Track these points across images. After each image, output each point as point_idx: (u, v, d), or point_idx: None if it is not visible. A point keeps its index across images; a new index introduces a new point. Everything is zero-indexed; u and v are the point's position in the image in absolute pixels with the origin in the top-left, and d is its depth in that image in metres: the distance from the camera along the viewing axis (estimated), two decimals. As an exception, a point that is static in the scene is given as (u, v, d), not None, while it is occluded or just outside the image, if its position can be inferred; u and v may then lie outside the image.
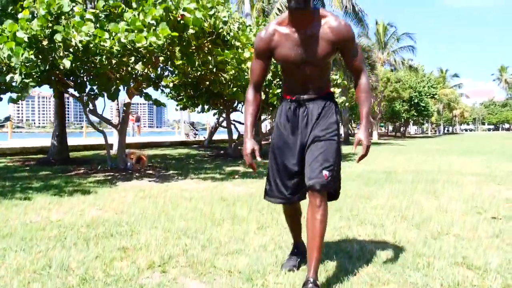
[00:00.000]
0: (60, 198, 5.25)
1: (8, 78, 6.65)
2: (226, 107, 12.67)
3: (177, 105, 13.79)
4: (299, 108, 2.46)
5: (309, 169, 2.32)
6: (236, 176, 7.72)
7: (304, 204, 2.43)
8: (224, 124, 14.82)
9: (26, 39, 6.01)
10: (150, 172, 8.38)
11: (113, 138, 12.77)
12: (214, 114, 15.24)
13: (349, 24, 2.43)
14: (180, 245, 3.14)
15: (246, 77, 7.87)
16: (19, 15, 6.42)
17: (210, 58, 7.12)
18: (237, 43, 6.72)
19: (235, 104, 12.76)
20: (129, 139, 18.35)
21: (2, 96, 7.47)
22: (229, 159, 11.71)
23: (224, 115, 14.16)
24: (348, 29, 2.35)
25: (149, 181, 7.16)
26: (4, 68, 6.36)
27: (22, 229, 3.58)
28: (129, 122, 22.53)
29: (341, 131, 2.81)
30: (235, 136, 14.10)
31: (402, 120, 33.18)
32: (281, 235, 3.40)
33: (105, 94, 7.27)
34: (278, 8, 19.32)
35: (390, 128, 44.84)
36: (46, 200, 5.09)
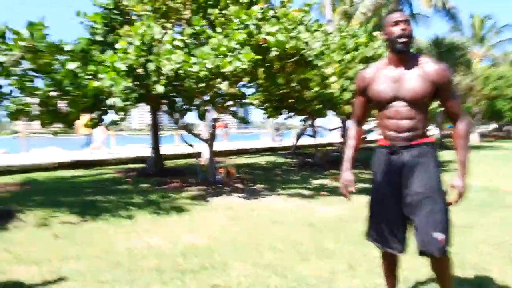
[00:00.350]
0: (158, 218, 5.62)
1: (110, 102, 7.30)
2: (312, 116, 12.59)
3: (264, 114, 14.02)
4: (394, 157, 2.42)
5: (421, 234, 2.31)
6: (324, 193, 7.63)
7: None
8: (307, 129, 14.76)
9: (124, 68, 6.53)
10: (239, 186, 8.62)
11: (202, 144, 13.34)
12: (300, 121, 15.24)
13: (447, 69, 2.37)
14: (270, 285, 3.19)
15: (329, 92, 7.78)
16: (117, 45, 6.99)
17: (293, 76, 7.14)
18: (320, 63, 6.66)
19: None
20: (217, 145, 19.15)
21: (103, 117, 8.22)
22: (315, 169, 11.63)
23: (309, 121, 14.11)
24: (445, 72, 2.34)
25: (238, 196, 7.36)
26: (106, 95, 6.97)
27: (127, 257, 3.89)
28: (217, 129, 23.50)
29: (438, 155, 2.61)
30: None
31: (505, 119, 30.26)
32: (373, 278, 3.28)
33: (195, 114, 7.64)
34: (361, 12, 18.69)
35: (490, 127, 41.11)
36: (146, 220, 5.50)
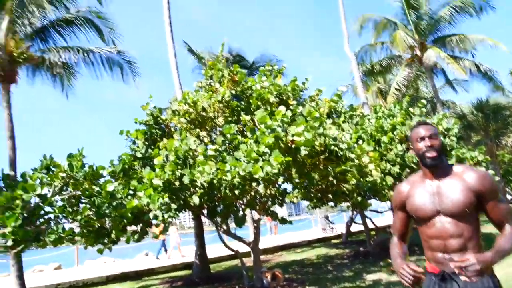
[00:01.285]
0: None
1: (151, 215, 7.46)
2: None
3: (308, 206, 13.77)
4: (446, 286, 2.17)
5: None
6: (377, 291, 7.06)
7: None
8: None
9: (161, 184, 6.75)
10: (286, 289, 8.20)
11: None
12: (348, 207, 14.78)
13: (491, 175, 2.23)
14: None
15: (370, 180, 7.55)
16: (155, 161, 7.32)
17: (328, 171, 7.05)
18: (352, 155, 6.58)
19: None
20: (266, 240, 18.71)
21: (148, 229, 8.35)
22: (370, 259, 10.94)
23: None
24: (487, 179, 2.19)
25: (284, 303, 6.97)
26: (146, 210, 7.16)
27: None
28: (266, 221, 23.16)
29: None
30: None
31: None
32: None
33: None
34: (395, 88, 18.79)
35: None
36: None
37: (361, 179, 7.54)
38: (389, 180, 9.75)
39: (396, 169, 9.99)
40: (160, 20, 13.61)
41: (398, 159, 9.96)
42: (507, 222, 2.18)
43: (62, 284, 10.85)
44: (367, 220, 13.90)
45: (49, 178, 5.64)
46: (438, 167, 2.27)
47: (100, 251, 7.28)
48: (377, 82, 23.73)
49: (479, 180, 2.17)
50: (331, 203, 13.23)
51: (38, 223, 5.78)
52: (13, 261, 8.79)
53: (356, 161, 6.81)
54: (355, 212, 15.33)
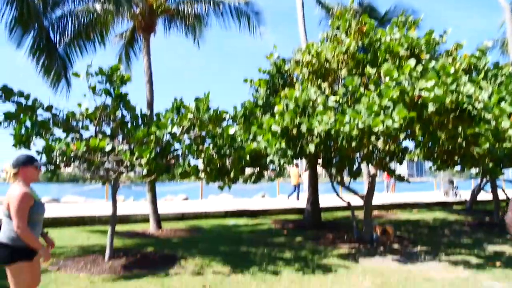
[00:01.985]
0: (302, 276, 5.68)
1: (268, 160, 7.84)
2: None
3: (431, 167, 12.98)
4: None
5: None
6: (499, 264, 6.55)
7: None
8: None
9: (279, 131, 7.00)
10: (396, 246, 8.07)
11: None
12: (477, 174, 13.57)
13: None
14: None
15: (505, 147, 6.80)
16: (275, 108, 7.56)
17: (458, 131, 6.51)
18: (488, 116, 5.92)
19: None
20: (381, 197, 18.30)
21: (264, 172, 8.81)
22: (495, 232, 10.07)
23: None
24: None
25: (393, 259, 6.91)
26: (263, 154, 7.53)
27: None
28: (384, 179, 22.51)
29: None
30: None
31: None
32: None
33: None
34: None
35: None
36: (290, 277, 5.62)
37: (496, 144, 6.81)
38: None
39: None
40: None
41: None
42: None
43: (187, 213, 12.20)
44: (498, 190, 12.65)
45: (178, 119, 6.27)
46: None
47: (221, 188, 7.95)
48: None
49: None
50: (457, 167, 12.30)
51: (168, 158, 6.54)
52: (148, 188, 10.14)
53: (493, 123, 6.13)
54: (484, 180, 13.99)
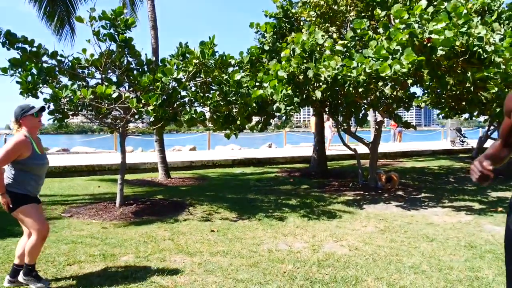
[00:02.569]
0: (308, 222, 5.80)
1: (274, 107, 7.78)
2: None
3: (439, 114, 12.88)
4: None
5: None
6: (500, 209, 6.64)
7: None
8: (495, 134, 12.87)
9: (285, 76, 6.89)
10: (400, 193, 8.18)
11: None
12: (485, 121, 13.48)
13: None
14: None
15: (515, 92, 6.64)
16: (282, 53, 7.40)
17: (466, 76, 6.36)
18: (498, 59, 5.73)
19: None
20: (388, 146, 18.34)
21: (271, 121, 8.79)
22: (500, 178, 10.13)
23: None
24: None
25: (396, 205, 7.02)
26: (270, 101, 7.47)
27: (266, 259, 4.17)
28: (391, 128, 22.43)
29: None
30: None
31: None
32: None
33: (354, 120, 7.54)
34: None
35: None
36: (296, 222, 5.74)
37: (505, 89, 6.66)
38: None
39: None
40: None
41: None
42: None
43: (195, 162, 12.36)
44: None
45: (184, 64, 6.15)
46: None
47: (228, 136, 7.97)
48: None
49: None
50: (466, 115, 12.18)
51: (175, 105, 6.50)
52: (156, 138, 10.20)
53: (503, 67, 5.96)
54: (492, 127, 13.88)
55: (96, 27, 6.08)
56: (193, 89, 6.89)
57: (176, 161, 11.97)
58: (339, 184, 9.19)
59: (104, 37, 6.18)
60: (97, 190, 8.49)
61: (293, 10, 10.14)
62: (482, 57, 5.87)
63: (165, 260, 4.11)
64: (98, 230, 5.27)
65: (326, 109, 8.34)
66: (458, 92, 7.13)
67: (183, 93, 6.57)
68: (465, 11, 6.09)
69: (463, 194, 8.09)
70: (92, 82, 6.76)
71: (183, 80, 6.19)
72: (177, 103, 6.56)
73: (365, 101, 7.64)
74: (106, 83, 6.38)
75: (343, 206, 6.96)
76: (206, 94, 6.74)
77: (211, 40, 6.05)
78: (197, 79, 6.68)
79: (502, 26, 9.09)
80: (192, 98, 6.37)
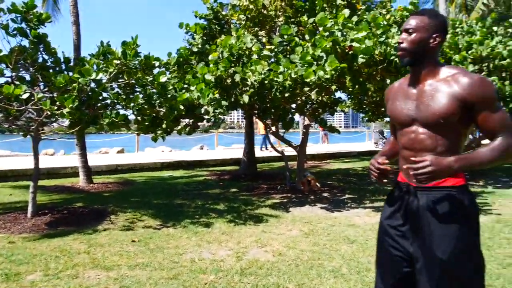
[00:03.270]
0: (234, 227, 5.75)
1: (203, 110, 7.66)
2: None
3: (363, 118, 13.50)
4: (407, 200, 1.96)
5: None
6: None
7: None
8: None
9: (213, 80, 6.80)
10: (326, 195, 8.42)
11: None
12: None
13: (488, 81, 1.83)
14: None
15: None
16: (209, 56, 7.30)
17: (385, 83, 6.70)
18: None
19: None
20: (316, 147, 18.91)
21: (199, 123, 8.65)
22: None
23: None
24: (484, 86, 1.79)
25: (321, 207, 7.20)
26: (197, 104, 7.33)
27: (188, 269, 4.04)
28: (319, 131, 23.18)
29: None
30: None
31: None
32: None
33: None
34: (483, 3, 16.68)
35: None
36: (222, 228, 5.66)
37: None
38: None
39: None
40: None
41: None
42: (498, 133, 1.81)
43: (122, 165, 11.85)
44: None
45: (104, 65, 5.83)
46: (417, 68, 1.93)
47: (154, 139, 7.69)
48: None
49: (469, 87, 1.78)
50: (387, 119, 12.85)
51: (96, 107, 6.14)
52: (77, 141, 9.62)
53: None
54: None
55: (5, 20, 5.59)
56: (116, 90, 6.56)
57: (101, 164, 11.40)
58: (268, 187, 9.27)
59: (15, 32, 5.69)
60: (8, 198, 7.81)
61: (224, 12, 10.09)
62: (398, 65, 6.21)
63: (77, 276, 3.82)
64: (4, 246, 4.81)
65: (255, 112, 8.38)
66: (378, 99, 7.49)
67: (105, 94, 6.24)
68: (384, 22, 6.41)
69: (384, 194, 8.50)
70: (2, 80, 6.19)
71: (104, 81, 5.86)
72: (98, 105, 6.22)
73: (291, 106, 7.77)
74: (17, 82, 5.88)
75: (270, 209, 7.01)
76: (130, 96, 6.45)
77: (134, 41, 5.80)
78: (120, 80, 6.37)
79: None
80: (114, 100, 6.05)
